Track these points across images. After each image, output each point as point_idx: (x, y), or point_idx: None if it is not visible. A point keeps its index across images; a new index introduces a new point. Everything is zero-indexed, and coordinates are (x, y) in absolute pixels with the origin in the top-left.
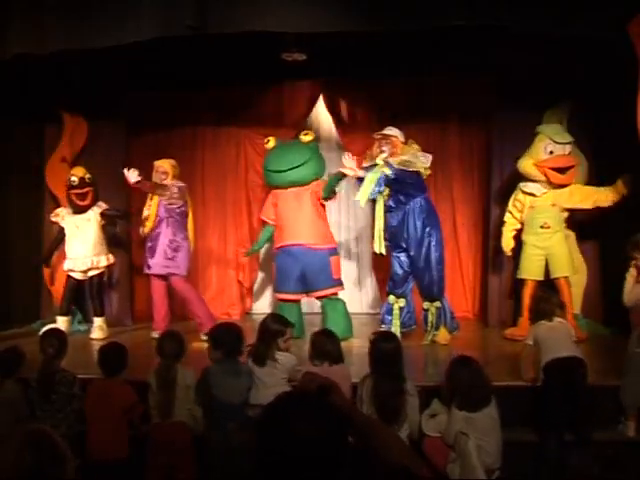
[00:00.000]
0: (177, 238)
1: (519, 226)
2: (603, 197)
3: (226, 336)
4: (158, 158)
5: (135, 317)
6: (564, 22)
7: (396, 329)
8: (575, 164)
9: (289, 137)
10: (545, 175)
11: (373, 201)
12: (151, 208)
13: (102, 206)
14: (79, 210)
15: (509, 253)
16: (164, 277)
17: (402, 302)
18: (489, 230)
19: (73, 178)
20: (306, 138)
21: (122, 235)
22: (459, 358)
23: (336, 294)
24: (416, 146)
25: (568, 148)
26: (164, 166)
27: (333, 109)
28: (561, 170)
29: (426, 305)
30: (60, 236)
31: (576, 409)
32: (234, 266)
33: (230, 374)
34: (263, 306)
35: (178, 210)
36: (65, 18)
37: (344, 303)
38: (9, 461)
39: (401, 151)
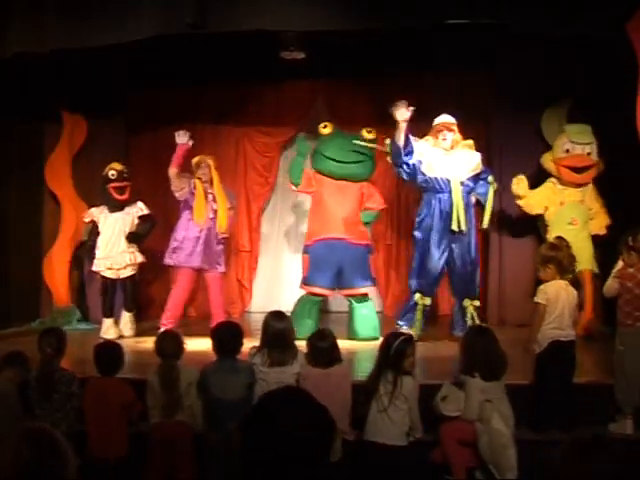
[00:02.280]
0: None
1: (533, 206)
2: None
3: (225, 334)
4: (157, 157)
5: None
6: (564, 22)
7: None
8: (593, 164)
9: (289, 136)
10: (559, 172)
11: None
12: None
13: (143, 209)
14: (117, 205)
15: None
16: (198, 272)
17: (428, 300)
18: (490, 229)
19: (112, 172)
20: (369, 135)
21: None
22: (475, 327)
23: (367, 294)
24: (468, 142)
25: (588, 148)
26: (207, 159)
27: (332, 108)
28: (576, 170)
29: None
30: (94, 235)
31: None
32: (233, 265)
33: (229, 372)
34: (262, 304)
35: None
36: (65, 17)
37: (373, 304)
38: (8, 459)
39: (461, 138)
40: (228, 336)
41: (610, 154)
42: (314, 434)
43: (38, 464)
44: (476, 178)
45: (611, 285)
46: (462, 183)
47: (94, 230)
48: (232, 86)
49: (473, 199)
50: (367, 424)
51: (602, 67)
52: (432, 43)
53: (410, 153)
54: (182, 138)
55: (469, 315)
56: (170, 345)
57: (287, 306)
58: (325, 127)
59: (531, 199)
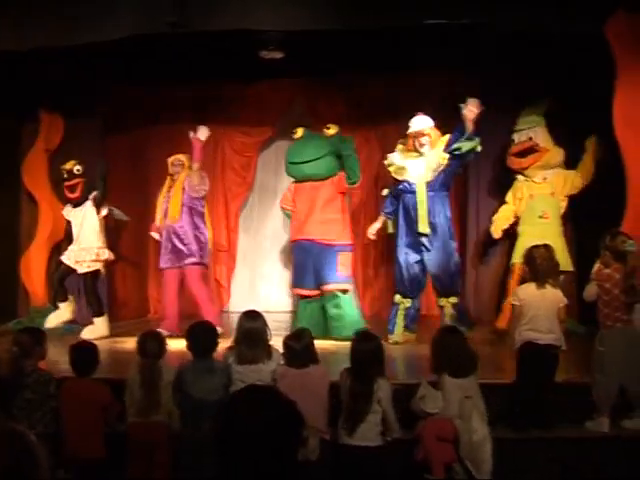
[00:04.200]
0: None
1: (512, 219)
2: (578, 180)
3: (201, 334)
4: (135, 156)
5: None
6: (545, 21)
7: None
8: (534, 146)
9: (267, 136)
10: (511, 163)
11: None
12: (173, 198)
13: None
14: (72, 204)
15: (497, 235)
16: (179, 271)
17: (409, 302)
18: (466, 227)
19: (63, 172)
20: (329, 132)
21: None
22: (446, 327)
23: (342, 291)
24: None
25: (530, 133)
26: (179, 158)
27: (311, 107)
28: (519, 155)
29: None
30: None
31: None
32: (211, 264)
33: (204, 372)
34: (239, 304)
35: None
36: (44, 16)
37: (350, 297)
38: None
39: (436, 138)
40: (203, 336)
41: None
42: (282, 429)
43: (10, 466)
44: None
45: (590, 289)
46: (428, 183)
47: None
48: (210, 85)
49: (444, 195)
50: (339, 427)
51: (579, 67)
52: (413, 43)
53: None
54: (202, 133)
55: (447, 313)
56: (152, 345)
57: (265, 305)
58: (295, 132)
59: (503, 220)
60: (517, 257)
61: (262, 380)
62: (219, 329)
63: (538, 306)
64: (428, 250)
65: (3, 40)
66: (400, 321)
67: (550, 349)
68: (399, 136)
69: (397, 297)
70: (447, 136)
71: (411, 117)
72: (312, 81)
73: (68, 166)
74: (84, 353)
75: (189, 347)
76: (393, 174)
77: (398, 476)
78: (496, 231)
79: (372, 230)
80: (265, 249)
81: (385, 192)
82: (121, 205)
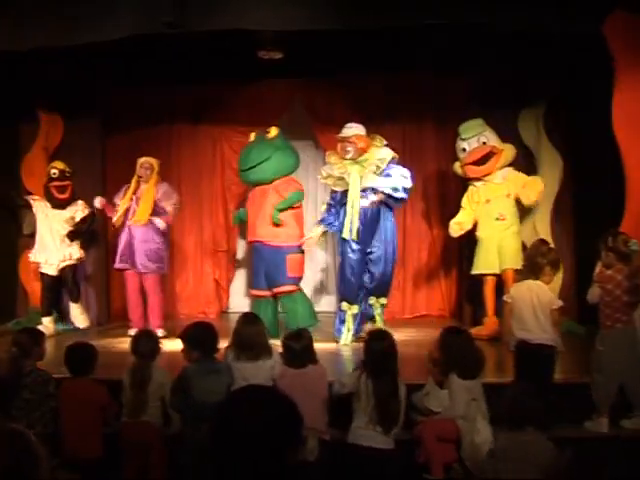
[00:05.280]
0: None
1: (468, 225)
2: (539, 184)
3: (203, 336)
4: (134, 156)
5: (112, 315)
6: (544, 21)
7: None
8: (491, 151)
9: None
10: (466, 173)
11: None
12: (143, 201)
13: (84, 209)
14: (57, 204)
15: (456, 234)
16: (140, 274)
17: (356, 309)
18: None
19: (53, 170)
20: (269, 135)
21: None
22: (449, 328)
23: (292, 292)
24: (380, 142)
25: (482, 138)
26: (150, 161)
27: (310, 108)
28: (477, 162)
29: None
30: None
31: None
32: (210, 264)
33: (210, 373)
34: (239, 304)
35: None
36: (43, 16)
37: (302, 293)
38: None
39: (367, 146)
40: (207, 337)
41: (586, 155)
42: (281, 429)
43: (10, 466)
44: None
45: (594, 291)
46: (364, 190)
47: (32, 220)
48: (209, 86)
49: (378, 197)
50: (351, 428)
51: (578, 67)
52: (413, 43)
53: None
54: (97, 202)
55: (376, 312)
56: (145, 345)
57: None
58: (250, 138)
59: (464, 223)
60: (481, 266)
61: (261, 377)
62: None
63: (526, 305)
64: (372, 257)
65: (3, 40)
66: (349, 326)
67: (543, 349)
68: (396, 137)
69: (344, 304)
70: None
71: (411, 117)
72: (312, 81)
73: (60, 166)
74: (79, 353)
75: (191, 348)
76: (332, 186)
77: (398, 476)
78: (453, 229)
79: (310, 242)
80: None
81: (323, 207)
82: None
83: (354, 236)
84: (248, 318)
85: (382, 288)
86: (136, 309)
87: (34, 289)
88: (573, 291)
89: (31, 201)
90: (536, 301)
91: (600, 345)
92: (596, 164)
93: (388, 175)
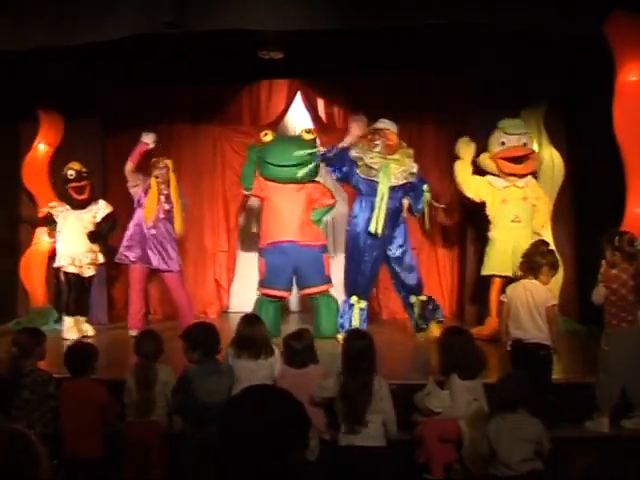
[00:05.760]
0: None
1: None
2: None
3: (204, 336)
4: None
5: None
6: (544, 21)
7: None
8: (530, 154)
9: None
10: (498, 166)
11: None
12: (152, 198)
13: (105, 208)
14: (77, 205)
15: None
16: (151, 272)
17: (364, 304)
18: (466, 228)
19: (70, 172)
20: (308, 136)
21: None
22: (451, 328)
23: (328, 291)
24: (409, 149)
25: (523, 139)
26: (164, 160)
27: (311, 107)
28: (514, 160)
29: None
30: (49, 223)
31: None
32: (211, 264)
33: (212, 374)
34: (240, 304)
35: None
36: (44, 16)
37: (337, 301)
38: None
39: (395, 145)
40: (208, 337)
41: (586, 155)
42: (285, 430)
43: (10, 466)
44: (410, 186)
45: (599, 292)
46: (393, 188)
47: (54, 227)
48: (210, 86)
49: (405, 203)
50: (341, 429)
51: (578, 68)
52: (413, 43)
53: (344, 161)
54: (148, 138)
55: (418, 311)
56: (149, 345)
57: None
58: (266, 135)
59: (470, 178)
60: (492, 267)
61: (262, 375)
62: None
63: (521, 304)
64: (389, 251)
65: (3, 40)
66: (355, 322)
67: (539, 348)
68: (399, 136)
69: (353, 298)
70: (411, 150)
71: (411, 117)
72: (312, 81)
73: (76, 167)
74: (79, 353)
75: (191, 349)
76: (359, 171)
77: (397, 477)
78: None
79: None
80: None
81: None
82: (120, 205)
83: (380, 230)
84: (250, 319)
85: (419, 286)
86: (140, 308)
87: (35, 289)
88: (573, 291)
89: (52, 212)
90: (532, 301)
91: (605, 345)
92: (596, 164)
93: (417, 188)
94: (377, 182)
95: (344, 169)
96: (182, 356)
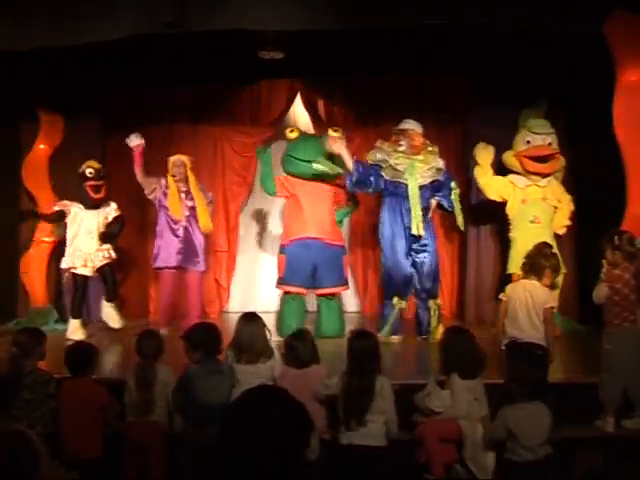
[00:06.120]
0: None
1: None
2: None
3: (205, 336)
4: (133, 156)
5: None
6: (544, 21)
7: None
8: (554, 154)
9: (266, 136)
10: (523, 164)
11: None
12: (172, 197)
13: (116, 210)
14: (92, 204)
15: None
16: (179, 271)
17: (404, 304)
18: (467, 228)
19: (89, 170)
20: (335, 134)
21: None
22: (452, 328)
23: (338, 293)
24: (435, 149)
25: (548, 139)
26: (181, 158)
27: (311, 107)
28: (539, 159)
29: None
30: (58, 220)
31: None
32: (211, 264)
33: (213, 374)
34: (240, 304)
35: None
36: (44, 16)
37: (340, 301)
38: None
39: (420, 146)
40: (210, 337)
41: (586, 155)
42: (285, 431)
43: (10, 465)
44: (438, 184)
45: (601, 291)
46: (421, 187)
47: (63, 225)
48: (210, 86)
49: (434, 203)
50: (342, 427)
51: (578, 68)
52: (413, 43)
53: (368, 173)
54: (133, 141)
55: (433, 314)
56: (149, 345)
57: (265, 306)
58: (292, 131)
59: (492, 180)
60: (514, 267)
61: (262, 379)
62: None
63: (520, 304)
64: (417, 252)
65: (3, 40)
66: (392, 321)
67: (534, 348)
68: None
69: (395, 299)
70: (436, 148)
71: (411, 117)
72: (312, 81)
73: (95, 166)
74: (78, 353)
75: (192, 349)
76: (384, 174)
77: (398, 477)
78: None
79: None
80: (265, 250)
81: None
82: (120, 205)
83: (421, 231)
84: (248, 318)
85: (435, 289)
86: (169, 309)
87: (35, 289)
88: (574, 291)
89: (64, 209)
90: (530, 301)
91: (607, 344)
92: (596, 164)
93: (445, 185)
94: (404, 183)
95: (371, 178)
96: (183, 356)
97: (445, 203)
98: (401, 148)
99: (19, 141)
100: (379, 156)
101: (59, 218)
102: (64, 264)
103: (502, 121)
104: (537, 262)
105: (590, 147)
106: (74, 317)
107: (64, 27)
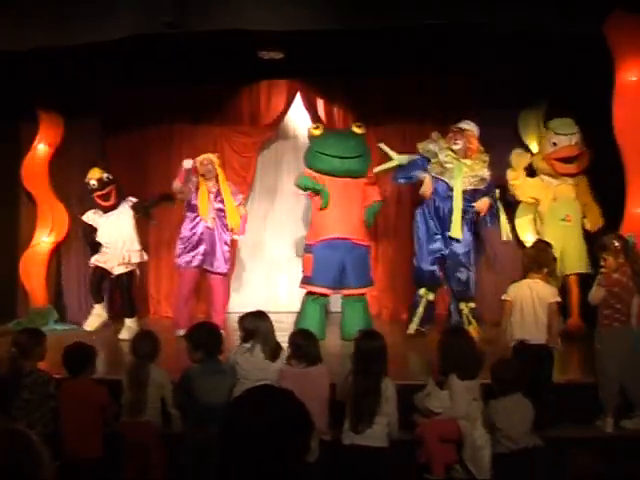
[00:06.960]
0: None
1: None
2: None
3: (207, 336)
4: (134, 156)
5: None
6: (544, 21)
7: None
8: (581, 153)
9: (266, 136)
10: (552, 167)
11: None
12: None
13: (132, 200)
14: (106, 210)
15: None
16: (201, 272)
17: (432, 296)
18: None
19: (92, 182)
20: (359, 130)
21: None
22: (450, 329)
23: (364, 294)
24: (486, 157)
25: (574, 139)
26: (209, 157)
27: (311, 107)
28: (566, 160)
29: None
30: (90, 234)
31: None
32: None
33: (214, 374)
34: (240, 304)
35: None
36: (44, 16)
37: (367, 303)
38: None
39: (474, 150)
40: (210, 337)
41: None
42: (286, 431)
43: (11, 466)
44: (479, 192)
45: (597, 293)
46: (465, 191)
47: (88, 229)
48: (210, 86)
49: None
50: (345, 427)
51: (578, 68)
52: (413, 43)
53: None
54: (188, 164)
55: (465, 317)
56: (145, 345)
57: (265, 306)
58: (316, 128)
59: (523, 182)
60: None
61: (267, 379)
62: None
63: (525, 303)
64: (451, 253)
65: (3, 40)
66: (420, 312)
67: (542, 349)
68: (398, 137)
69: (422, 291)
70: (486, 157)
71: (411, 117)
72: (312, 81)
73: (97, 175)
74: (77, 353)
75: (195, 349)
76: (430, 168)
77: (398, 477)
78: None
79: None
80: (265, 249)
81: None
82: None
83: (460, 234)
84: (257, 314)
85: (467, 292)
86: (185, 309)
87: (35, 290)
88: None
89: (90, 222)
90: (537, 300)
91: (598, 344)
92: (596, 164)
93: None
94: (445, 182)
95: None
96: (185, 356)
97: (488, 220)
98: (456, 147)
99: (19, 141)
100: (431, 147)
101: (92, 232)
102: (93, 260)
103: (502, 121)
104: (540, 260)
105: (590, 147)
106: (128, 317)
107: (64, 27)
